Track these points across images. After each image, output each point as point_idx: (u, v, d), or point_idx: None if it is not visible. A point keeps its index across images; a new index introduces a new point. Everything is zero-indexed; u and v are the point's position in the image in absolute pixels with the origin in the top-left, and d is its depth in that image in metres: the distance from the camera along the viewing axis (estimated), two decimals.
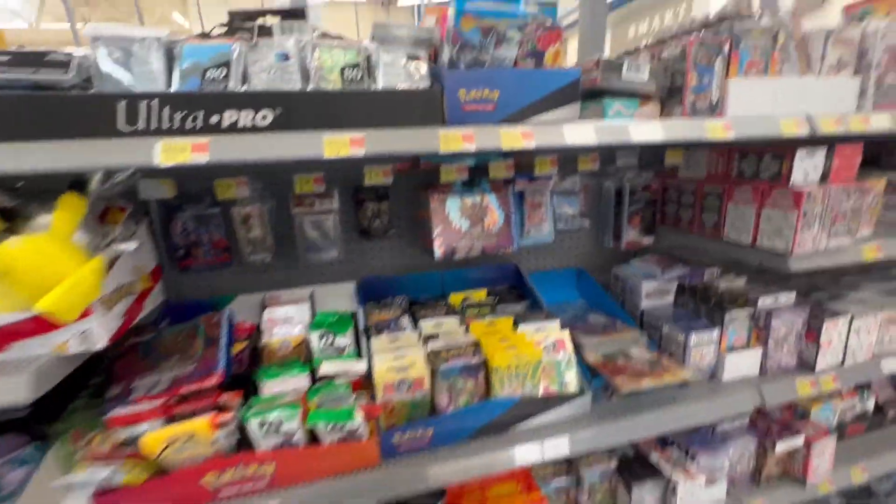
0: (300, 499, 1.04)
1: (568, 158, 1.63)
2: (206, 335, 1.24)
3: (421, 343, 1.27)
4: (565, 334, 1.32)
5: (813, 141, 1.28)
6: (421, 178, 1.56)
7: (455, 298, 1.58)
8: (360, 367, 1.18)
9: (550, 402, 1.25)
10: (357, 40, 1.04)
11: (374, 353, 1.21)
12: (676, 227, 1.67)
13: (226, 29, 0.94)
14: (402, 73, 0.99)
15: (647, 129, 1.09)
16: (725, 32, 1.20)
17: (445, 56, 1.00)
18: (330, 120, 0.91)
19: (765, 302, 1.47)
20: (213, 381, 1.08)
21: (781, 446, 1.51)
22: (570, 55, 7.16)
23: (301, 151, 0.86)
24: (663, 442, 1.56)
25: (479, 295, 1.60)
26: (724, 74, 1.19)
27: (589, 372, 1.34)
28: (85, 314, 0.87)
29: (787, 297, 1.50)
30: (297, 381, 1.16)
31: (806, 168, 1.30)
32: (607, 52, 6.11)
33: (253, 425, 1.01)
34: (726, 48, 1.18)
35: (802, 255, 1.30)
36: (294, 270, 1.56)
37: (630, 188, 1.63)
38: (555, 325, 1.35)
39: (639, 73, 1.14)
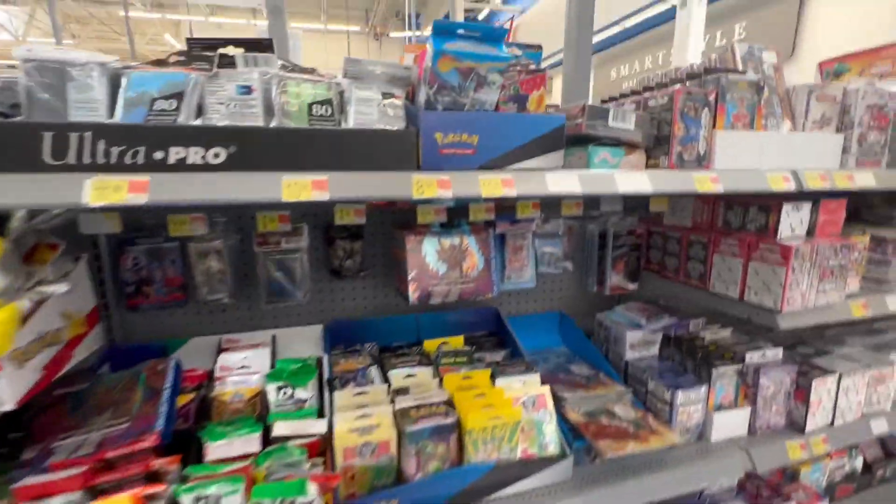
0: None
1: (551, 202, 1.58)
2: (148, 386, 1.11)
3: (389, 399, 1.16)
4: (546, 390, 1.23)
5: (798, 195, 1.26)
6: (397, 215, 1.48)
7: (430, 345, 1.48)
8: (317, 428, 1.06)
9: (530, 465, 1.14)
10: (329, 74, 0.97)
11: (336, 412, 1.10)
12: (661, 275, 1.62)
13: (183, 58, 0.86)
14: (375, 111, 0.92)
15: (634, 179, 1.04)
16: (711, 84, 1.18)
17: (422, 97, 0.94)
18: (291, 160, 0.82)
19: (752, 358, 1.41)
20: (148, 443, 0.95)
21: None
22: (555, 93, 7.35)
23: (256, 194, 0.77)
24: None
25: (457, 342, 1.50)
26: (711, 126, 1.16)
27: (570, 432, 1.24)
28: None
29: (775, 353, 1.45)
30: (246, 444, 1.03)
31: (792, 222, 1.28)
32: (591, 93, 6.26)
33: (187, 502, 0.87)
34: (712, 100, 1.16)
35: (792, 312, 1.26)
36: (256, 311, 1.44)
37: (614, 233, 1.58)
38: (535, 378, 1.26)
39: (625, 122, 1.10)
